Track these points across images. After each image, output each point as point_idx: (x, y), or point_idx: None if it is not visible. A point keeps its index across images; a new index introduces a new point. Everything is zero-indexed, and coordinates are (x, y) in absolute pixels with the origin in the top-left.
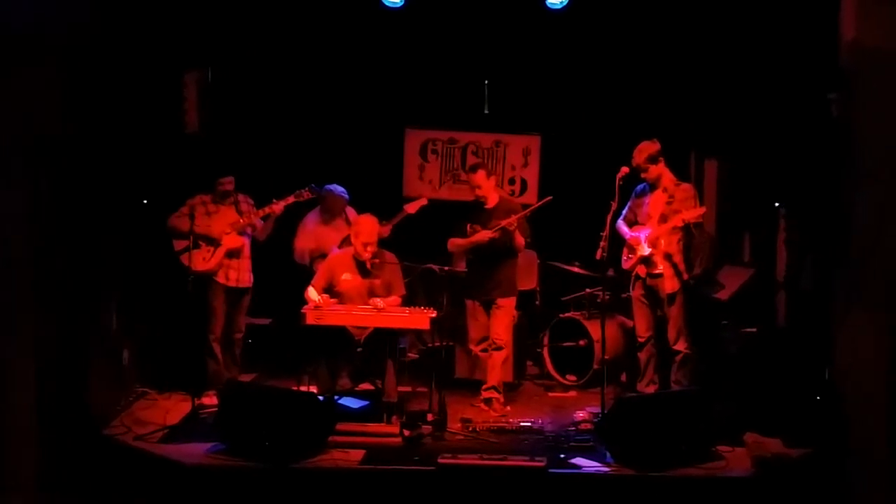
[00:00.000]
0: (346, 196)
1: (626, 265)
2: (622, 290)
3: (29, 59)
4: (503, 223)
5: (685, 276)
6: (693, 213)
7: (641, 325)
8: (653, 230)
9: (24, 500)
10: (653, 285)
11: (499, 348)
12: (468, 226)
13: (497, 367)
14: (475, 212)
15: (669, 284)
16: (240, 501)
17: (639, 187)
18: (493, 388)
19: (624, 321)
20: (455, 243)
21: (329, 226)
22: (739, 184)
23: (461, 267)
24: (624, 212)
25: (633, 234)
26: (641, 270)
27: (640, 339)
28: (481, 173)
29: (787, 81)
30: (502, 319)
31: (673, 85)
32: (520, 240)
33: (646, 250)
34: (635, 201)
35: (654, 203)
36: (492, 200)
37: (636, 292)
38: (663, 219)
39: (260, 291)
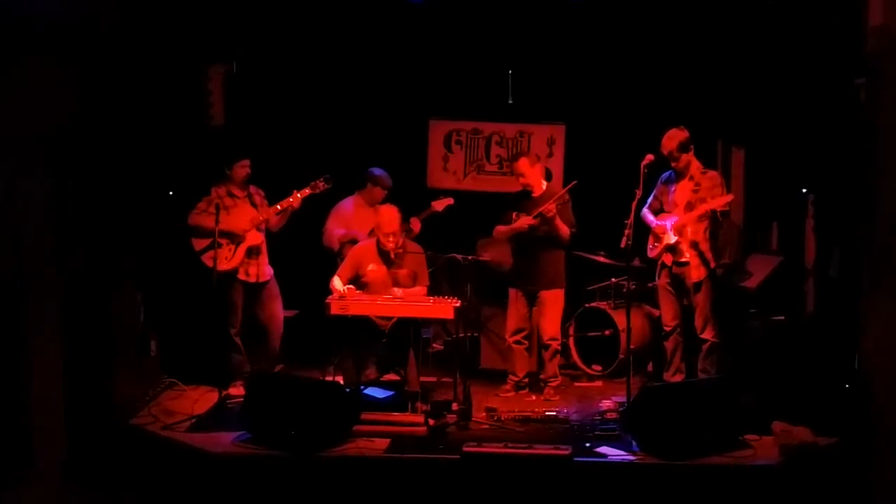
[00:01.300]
0: (390, 184)
1: (651, 253)
2: (648, 279)
3: (51, 50)
4: (541, 209)
5: (712, 265)
6: (720, 201)
7: (668, 314)
8: (679, 218)
9: (51, 489)
10: (679, 273)
11: (545, 346)
12: (513, 214)
13: (549, 362)
14: (522, 200)
15: (696, 273)
16: (266, 489)
17: (664, 175)
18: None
19: (650, 310)
20: (499, 231)
21: (366, 211)
22: (767, 172)
23: (486, 257)
24: (649, 200)
25: (658, 222)
26: (667, 259)
27: (666, 328)
28: (523, 161)
29: (813, 68)
30: (548, 314)
31: (699, 72)
32: (563, 228)
33: (672, 238)
34: (661, 189)
35: (680, 191)
36: (538, 189)
37: (662, 281)
38: (689, 207)
39: (286, 283)
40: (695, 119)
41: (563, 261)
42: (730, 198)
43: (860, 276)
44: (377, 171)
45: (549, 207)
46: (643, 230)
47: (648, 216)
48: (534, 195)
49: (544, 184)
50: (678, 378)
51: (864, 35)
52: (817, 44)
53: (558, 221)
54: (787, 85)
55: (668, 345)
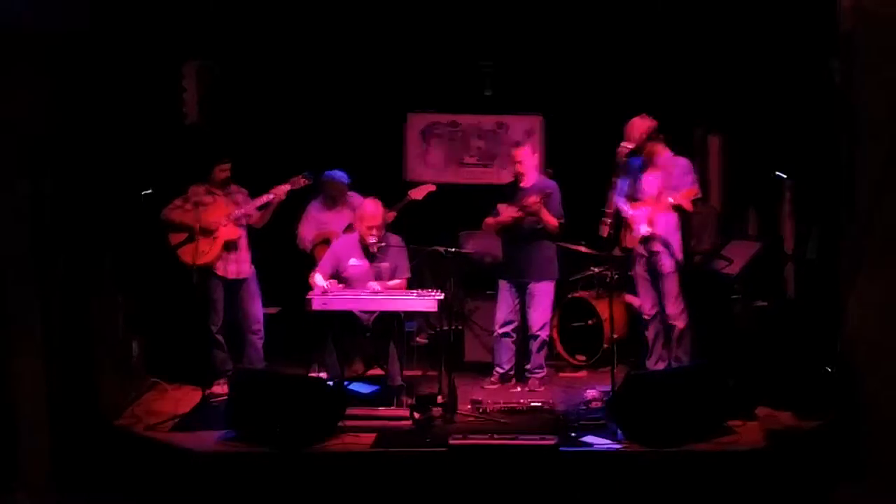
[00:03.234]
0: (347, 181)
1: (628, 243)
2: (629, 268)
3: (24, 54)
4: (525, 202)
5: (679, 256)
6: (685, 198)
7: (647, 303)
8: (651, 208)
9: (36, 493)
10: (654, 263)
11: (534, 337)
12: (498, 205)
13: (536, 353)
14: (511, 191)
15: (667, 264)
16: (252, 487)
17: (636, 163)
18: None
19: (632, 300)
20: (487, 223)
21: (332, 212)
22: (743, 157)
23: (468, 249)
24: (624, 188)
25: (632, 212)
26: (641, 249)
27: (645, 317)
28: (524, 149)
29: (787, 51)
30: (537, 305)
31: (674, 59)
32: (550, 220)
33: (645, 230)
34: (633, 177)
35: (649, 180)
36: (529, 179)
37: (639, 270)
38: (659, 196)
39: (266, 280)
40: (671, 106)
41: (553, 252)
42: (693, 193)
43: (839, 258)
44: (328, 176)
45: (534, 200)
46: (622, 219)
47: (622, 204)
48: (522, 185)
49: (536, 175)
50: (661, 366)
51: (836, 16)
52: (790, 26)
53: (544, 213)
54: (762, 69)
55: (649, 333)
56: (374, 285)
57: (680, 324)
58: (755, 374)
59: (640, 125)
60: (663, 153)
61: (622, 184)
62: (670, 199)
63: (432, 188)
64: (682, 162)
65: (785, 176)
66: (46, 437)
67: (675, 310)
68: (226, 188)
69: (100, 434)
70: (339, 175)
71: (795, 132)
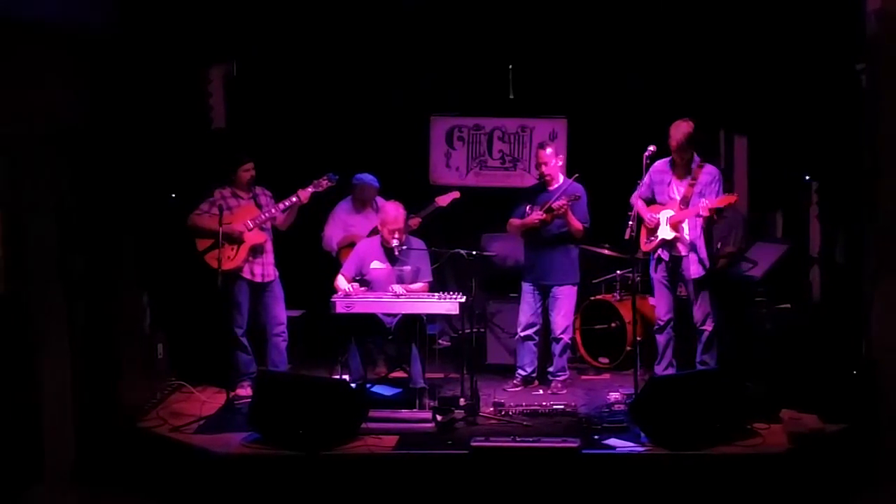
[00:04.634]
0: (377, 185)
1: (646, 247)
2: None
3: (55, 54)
4: (551, 204)
5: (707, 263)
6: (724, 201)
7: (662, 308)
8: (675, 213)
9: (61, 493)
10: (676, 268)
11: (556, 340)
12: (527, 207)
13: (558, 356)
14: (538, 193)
15: (695, 269)
16: (275, 489)
17: (658, 166)
18: (553, 373)
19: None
20: (512, 224)
21: (359, 215)
22: (770, 160)
23: (490, 252)
24: (641, 189)
25: (652, 215)
26: (664, 253)
27: (659, 322)
28: (546, 150)
29: (814, 54)
30: (560, 308)
31: (699, 62)
32: (576, 224)
33: (669, 234)
34: (654, 180)
35: (677, 185)
36: (555, 181)
37: (658, 275)
38: (686, 202)
39: (291, 283)
40: (697, 109)
41: (576, 256)
42: (734, 198)
43: (865, 260)
44: (359, 179)
45: (562, 202)
46: (642, 223)
47: (640, 206)
48: (549, 188)
49: (562, 178)
50: (670, 372)
51: (863, 19)
52: (817, 29)
53: (570, 217)
54: (789, 72)
55: (661, 339)
56: (398, 288)
57: (707, 327)
58: (779, 376)
59: (685, 127)
60: (694, 159)
61: (641, 187)
62: (706, 202)
63: (457, 195)
64: (711, 169)
65: (812, 178)
66: (71, 436)
67: (701, 314)
68: (251, 190)
69: (124, 434)
70: (370, 178)
71: (822, 135)
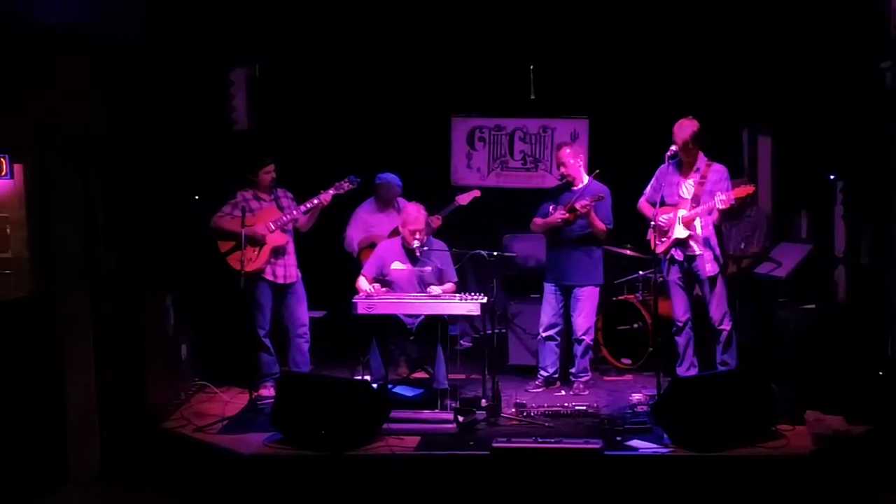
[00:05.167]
0: (400, 184)
1: (659, 249)
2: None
3: (80, 57)
4: (574, 204)
5: (721, 260)
6: (739, 192)
7: (679, 309)
8: (688, 212)
9: (85, 493)
10: (690, 268)
11: (578, 341)
12: (550, 206)
13: (580, 357)
14: (562, 192)
15: (710, 267)
16: (297, 490)
17: (665, 167)
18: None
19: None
20: (535, 223)
21: (381, 214)
22: (794, 159)
23: (512, 252)
24: (647, 191)
25: (664, 215)
26: (677, 254)
27: (678, 323)
28: (565, 150)
29: (838, 53)
30: (582, 309)
31: (722, 61)
32: (599, 225)
33: (682, 233)
34: (662, 181)
35: (686, 184)
36: (578, 181)
37: (672, 276)
38: (696, 200)
39: (313, 284)
40: (720, 108)
41: (599, 257)
42: (751, 188)
43: (891, 261)
44: (382, 179)
45: (585, 202)
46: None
47: (648, 209)
48: (573, 188)
49: (586, 177)
50: (692, 372)
51: (888, 17)
52: (841, 28)
53: (593, 217)
54: (813, 71)
55: (681, 340)
56: (435, 289)
57: (726, 327)
58: (804, 377)
59: (689, 126)
60: (702, 158)
61: (648, 191)
62: (722, 197)
63: (477, 194)
64: (719, 167)
65: (837, 178)
66: (96, 436)
67: (719, 314)
68: (272, 192)
69: (148, 434)
70: (393, 178)
71: (847, 134)
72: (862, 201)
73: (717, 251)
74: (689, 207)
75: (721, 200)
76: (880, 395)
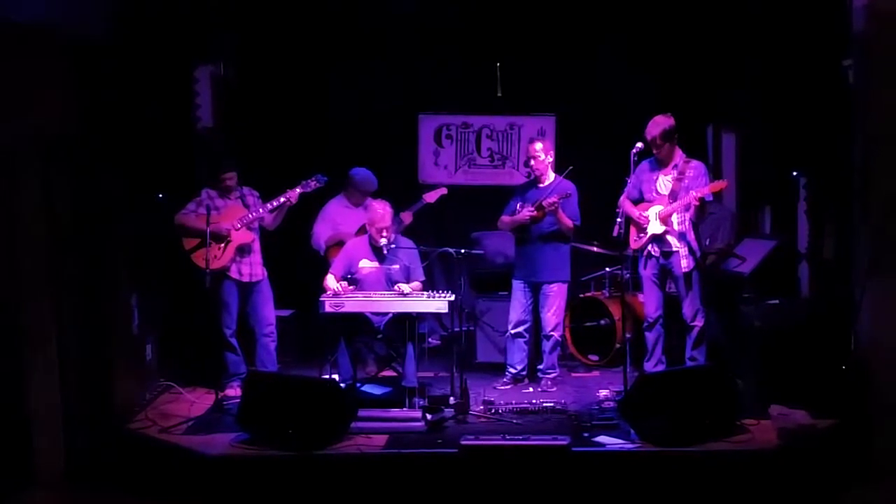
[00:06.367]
0: (375, 181)
1: (635, 244)
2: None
3: (45, 56)
4: (542, 201)
5: (698, 254)
6: (716, 187)
7: (651, 305)
8: (664, 208)
9: (51, 494)
10: (666, 264)
11: (547, 337)
12: (517, 204)
13: (548, 354)
14: (529, 189)
15: (686, 263)
16: (265, 490)
17: (645, 164)
18: (543, 370)
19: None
20: (502, 221)
21: (350, 210)
22: (758, 155)
23: (479, 250)
24: (627, 188)
25: (641, 212)
26: (654, 249)
27: (648, 319)
28: (536, 145)
29: (801, 50)
30: (550, 307)
31: (688, 58)
32: (566, 221)
33: (659, 228)
34: (641, 178)
35: (663, 180)
36: (545, 177)
37: (647, 272)
38: (674, 196)
39: (279, 283)
40: (685, 105)
41: (567, 254)
42: (724, 184)
43: (854, 256)
44: (357, 175)
45: (552, 199)
46: (630, 220)
47: (627, 205)
48: (540, 185)
49: (553, 175)
50: (659, 369)
51: (850, 15)
52: (804, 26)
53: (561, 214)
54: (776, 68)
55: (651, 335)
56: (405, 287)
57: (698, 323)
58: (769, 372)
59: (663, 122)
60: (679, 154)
61: (629, 188)
62: (694, 193)
63: (445, 191)
64: (696, 164)
65: (800, 174)
66: (60, 437)
67: (692, 310)
68: (238, 190)
69: (113, 436)
70: (370, 174)
71: (810, 131)
72: (825, 197)
73: (695, 246)
74: (665, 203)
75: (693, 196)
76: (844, 390)
